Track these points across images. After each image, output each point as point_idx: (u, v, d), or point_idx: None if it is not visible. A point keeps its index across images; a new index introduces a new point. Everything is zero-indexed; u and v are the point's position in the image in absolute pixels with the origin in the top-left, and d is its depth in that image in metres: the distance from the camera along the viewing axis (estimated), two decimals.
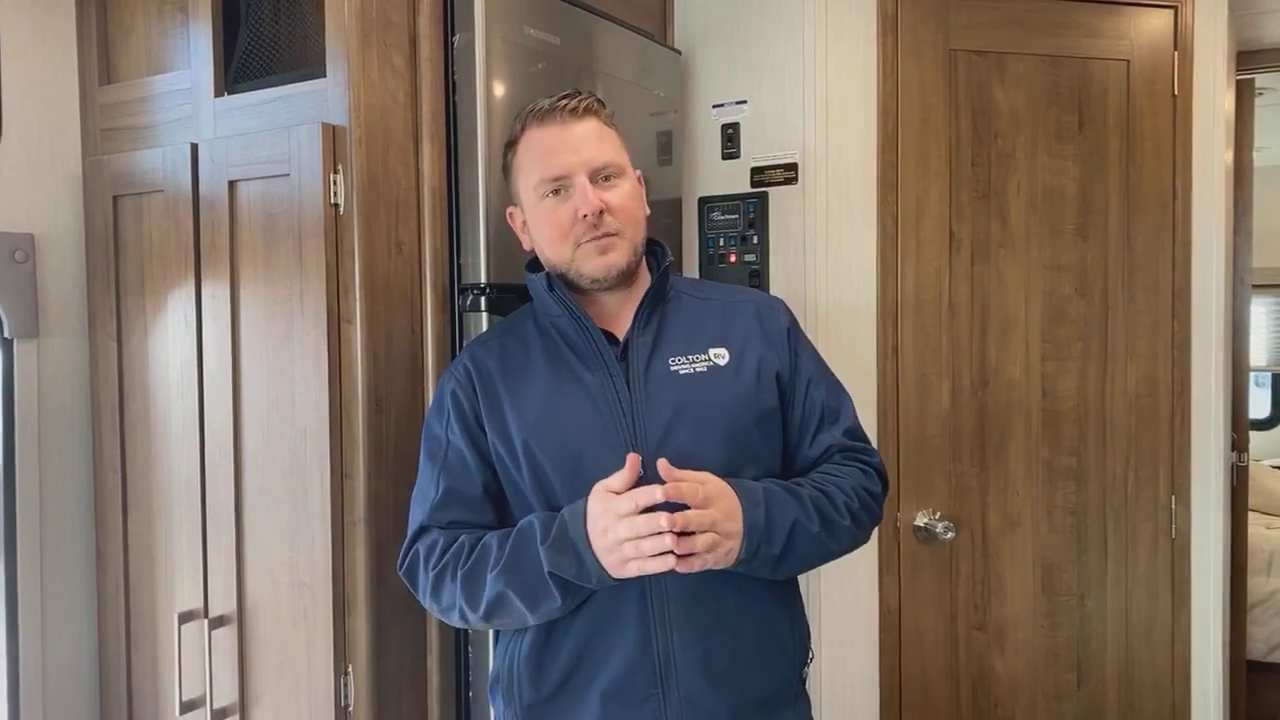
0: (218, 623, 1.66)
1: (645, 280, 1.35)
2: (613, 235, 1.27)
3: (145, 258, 1.77)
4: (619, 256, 1.28)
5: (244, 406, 1.63)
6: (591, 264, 1.27)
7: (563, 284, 1.30)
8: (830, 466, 1.32)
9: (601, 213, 1.25)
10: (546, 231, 1.30)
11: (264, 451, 1.60)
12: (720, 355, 1.30)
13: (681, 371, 1.27)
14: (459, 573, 1.22)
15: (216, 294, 1.65)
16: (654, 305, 1.32)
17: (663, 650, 1.23)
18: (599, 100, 1.32)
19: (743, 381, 1.29)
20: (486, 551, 1.22)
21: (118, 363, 1.83)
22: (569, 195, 1.26)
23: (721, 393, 1.27)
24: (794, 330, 1.39)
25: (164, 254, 1.73)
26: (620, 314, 1.33)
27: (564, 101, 1.28)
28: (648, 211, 1.36)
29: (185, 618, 1.69)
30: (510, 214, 1.40)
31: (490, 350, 1.35)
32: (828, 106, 2.10)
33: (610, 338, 1.30)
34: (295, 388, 1.55)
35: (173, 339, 1.73)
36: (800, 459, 1.34)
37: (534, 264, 1.38)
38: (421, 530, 1.30)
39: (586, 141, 1.27)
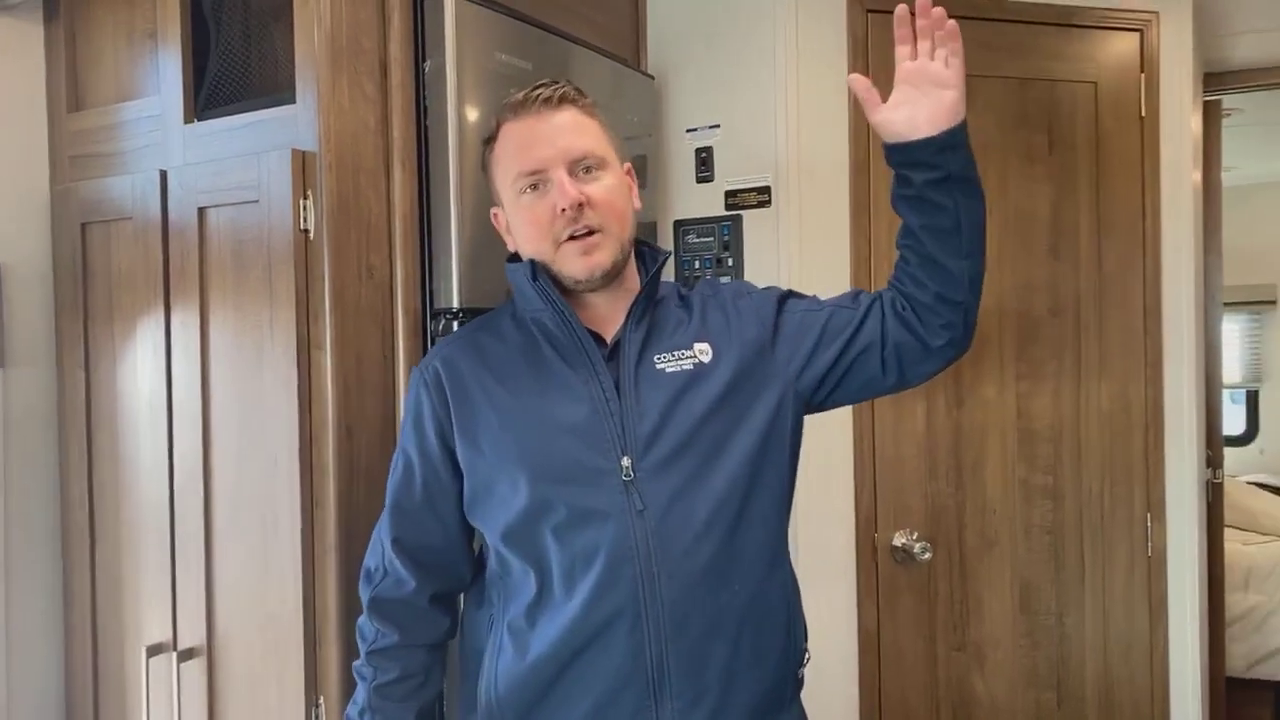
0: (186, 655, 1.63)
1: (635, 281, 1.30)
2: (595, 232, 1.20)
3: (114, 286, 1.75)
4: (604, 256, 1.21)
5: (213, 435, 1.61)
6: (574, 265, 1.21)
7: (547, 276, 1.23)
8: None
9: (581, 206, 1.19)
10: (526, 229, 1.24)
11: (234, 481, 1.58)
12: (704, 351, 1.25)
13: (668, 370, 1.23)
14: (363, 668, 1.32)
15: (186, 322, 1.63)
16: (646, 304, 1.27)
17: (656, 659, 1.18)
18: (576, 89, 1.26)
19: (725, 374, 1.24)
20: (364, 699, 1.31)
21: (86, 392, 1.80)
22: (547, 190, 1.20)
23: (708, 389, 1.22)
24: (791, 296, 1.34)
25: (133, 282, 1.71)
26: (610, 315, 1.26)
27: (538, 91, 1.22)
28: (638, 205, 1.29)
29: (153, 651, 1.66)
30: (495, 215, 1.33)
31: (463, 348, 1.29)
32: (799, 129, 2.11)
33: (597, 339, 1.24)
34: (265, 415, 1.53)
35: (141, 368, 1.71)
36: (868, 322, 1.28)
37: (515, 257, 1.31)
38: (369, 571, 1.34)
39: (563, 132, 1.21)
